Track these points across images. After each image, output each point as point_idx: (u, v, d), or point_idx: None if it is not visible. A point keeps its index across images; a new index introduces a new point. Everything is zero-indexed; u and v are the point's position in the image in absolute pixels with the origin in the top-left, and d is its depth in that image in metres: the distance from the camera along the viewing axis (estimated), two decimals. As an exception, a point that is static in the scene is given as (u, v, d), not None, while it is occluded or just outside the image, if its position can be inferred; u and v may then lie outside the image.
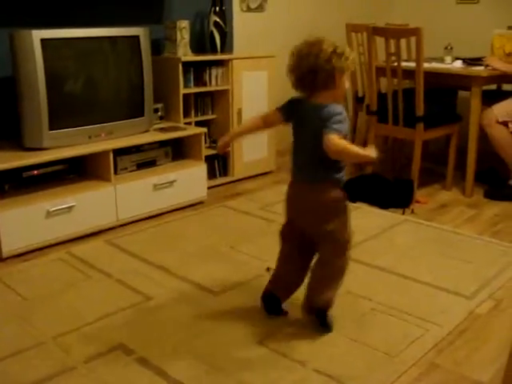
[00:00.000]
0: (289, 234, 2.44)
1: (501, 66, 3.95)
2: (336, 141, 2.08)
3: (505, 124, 3.91)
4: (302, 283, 2.42)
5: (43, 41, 3.10)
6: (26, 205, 3.07)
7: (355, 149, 2.14)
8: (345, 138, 2.13)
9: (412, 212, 3.76)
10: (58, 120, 3.25)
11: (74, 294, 2.66)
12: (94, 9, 3.72)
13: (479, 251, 3.17)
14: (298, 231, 2.39)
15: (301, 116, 2.24)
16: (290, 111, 2.29)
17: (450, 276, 2.86)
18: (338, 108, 2.16)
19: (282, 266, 2.46)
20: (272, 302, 2.45)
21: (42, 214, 3.11)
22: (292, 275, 2.44)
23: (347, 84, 2.23)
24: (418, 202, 3.91)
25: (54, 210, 3.14)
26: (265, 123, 2.39)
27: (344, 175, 2.27)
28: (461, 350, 2.26)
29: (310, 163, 2.24)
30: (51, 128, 3.22)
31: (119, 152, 3.51)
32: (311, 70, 2.14)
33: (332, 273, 2.34)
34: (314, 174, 2.25)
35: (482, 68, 3.97)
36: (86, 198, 3.28)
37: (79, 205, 3.25)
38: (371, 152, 2.17)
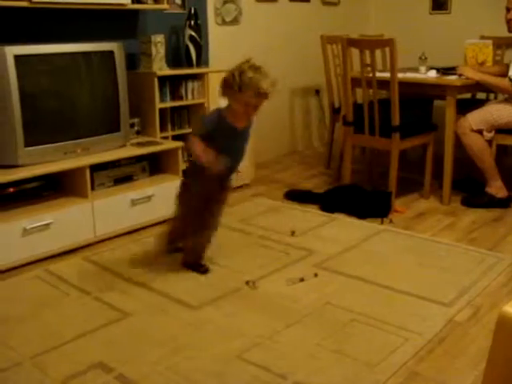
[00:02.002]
0: None
1: (473, 75, 3.99)
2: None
3: (480, 132, 3.95)
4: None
5: (17, 57, 3.08)
6: (2, 222, 3.04)
7: (196, 147, 2.72)
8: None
9: (390, 221, 3.78)
10: (33, 137, 3.22)
11: (52, 313, 2.62)
12: (68, 24, 3.70)
13: (457, 259, 3.19)
14: None
15: None
16: None
17: (429, 284, 2.88)
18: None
19: None
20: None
21: (19, 231, 3.08)
22: None
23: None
24: (396, 211, 3.93)
25: (30, 228, 3.11)
26: None
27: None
28: (441, 357, 2.27)
29: None
30: (26, 145, 3.19)
31: (96, 168, 3.49)
32: None
33: None
34: None
35: (455, 77, 4.02)
36: (63, 214, 3.26)
37: (56, 222, 3.22)
38: (211, 159, 2.68)
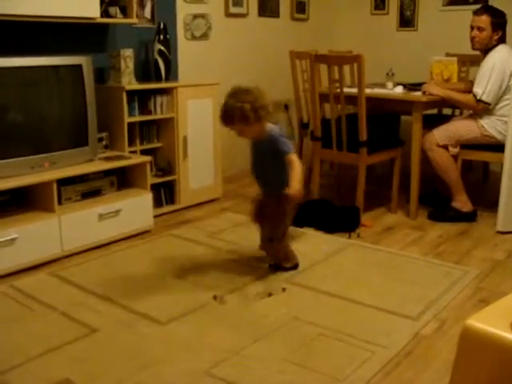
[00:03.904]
0: None
1: (437, 91, 4.06)
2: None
3: (445, 147, 4.01)
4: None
5: (-17, 70, 3.06)
6: (-34, 238, 3.00)
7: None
8: None
9: (358, 236, 3.81)
10: (-1, 150, 3.19)
11: (17, 329, 2.58)
12: (35, 37, 3.68)
13: (424, 272, 3.22)
14: None
15: None
16: None
17: (396, 298, 2.90)
18: None
19: None
20: None
21: (-17, 246, 3.04)
22: None
23: None
24: (363, 225, 3.96)
25: (-5, 243, 3.07)
26: None
27: None
28: (407, 371, 2.29)
29: None
30: (-8, 159, 3.16)
31: (63, 182, 3.46)
32: None
33: None
34: None
35: (421, 93, 4.08)
36: (29, 229, 3.22)
37: (22, 237, 3.18)
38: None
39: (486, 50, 3.98)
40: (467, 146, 4.04)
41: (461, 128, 4.02)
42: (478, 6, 4.12)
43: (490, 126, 3.94)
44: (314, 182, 4.34)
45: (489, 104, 3.88)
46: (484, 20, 3.92)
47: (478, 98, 3.87)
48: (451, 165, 4.03)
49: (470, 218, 4.09)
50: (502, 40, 3.97)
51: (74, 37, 3.89)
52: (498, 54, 3.90)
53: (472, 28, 3.99)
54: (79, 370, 2.26)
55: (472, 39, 4.00)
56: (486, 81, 3.86)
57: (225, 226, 3.99)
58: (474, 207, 4.11)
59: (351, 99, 3.98)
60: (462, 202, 4.09)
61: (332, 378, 2.22)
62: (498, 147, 3.86)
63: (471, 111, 4.15)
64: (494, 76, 3.84)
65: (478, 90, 3.89)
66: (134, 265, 3.32)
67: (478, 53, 4.11)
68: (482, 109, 3.92)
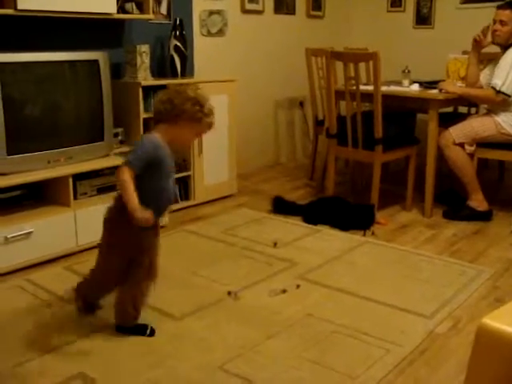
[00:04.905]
0: None
1: (454, 89, 4.04)
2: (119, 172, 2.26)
3: (461, 145, 3.99)
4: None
5: (1, 65, 3.07)
6: (-17, 231, 3.02)
7: (130, 194, 2.22)
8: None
9: (372, 233, 3.80)
10: (15, 145, 3.20)
11: (33, 323, 2.60)
12: (52, 33, 3.70)
13: (438, 271, 3.21)
14: None
15: None
16: None
17: (410, 296, 2.89)
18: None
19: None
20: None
21: (0, 240, 3.06)
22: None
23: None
24: (378, 223, 3.95)
25: (11, 237, 3.09)
26: None
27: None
28: (421, 369, 2.28)
29: None
30: (9, 153, 3.17)
31: (79, 177, 3.48)
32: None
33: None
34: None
35: (437, 91, 4.06)
36: (44, 223, 3.24)
37: (38, 231, 3.20)
38: (142, 213, 2.22)
39: (505, 47, 3.96)
40: (483, 144, 4.02)
41: (477, 126, 4.00)
42: (494, 4, 4.11)
43: (506, 123, 3.91)
44: (329, 179, 4.33)
45: (509, 96, 3.85)
46: (507, 14, 3.92)
47: (498, 89, 3.84)
48: (467, 163, 4.00)
49: (485, 217, 4.06)
50: None
51: (90, 32, 3.90)
52: None
53: (494, 22, 3.98)
54: (93, 365, 2.28)
55: (493, 33, 3.99)
56: (506, 73, 3.83)
57: (239, 222, 3.99)
58: (490, 206, 4.09)
59: (367, 97, 3.97)
60: (477, 201, 4.06)
61: (346, 376, 2.21)
62: (513, 145, 3.84)
63: (487, 108, 4.12)
64: None
65: (497, 81, 3.86)
66: (149, 260, 3.32)
67: (494, 50, 4.09)
68: (502, 101, 3.88)
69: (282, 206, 4.22)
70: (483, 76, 4.19)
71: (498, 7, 4.01)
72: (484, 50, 4.21)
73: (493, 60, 4.13)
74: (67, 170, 3.38)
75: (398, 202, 4.40)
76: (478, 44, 4.15)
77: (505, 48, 3.97)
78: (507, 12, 3.92)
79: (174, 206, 4.15)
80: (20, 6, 3.18)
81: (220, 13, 4.89)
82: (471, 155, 4.03)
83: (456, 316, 2.71)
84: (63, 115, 3.48)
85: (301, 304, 2.79)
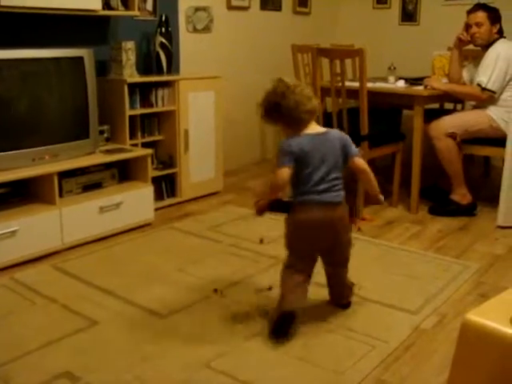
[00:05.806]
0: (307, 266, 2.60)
1: (440, 85, 4.06)
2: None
3: (452, 137, 3.99)
4: None
5: (-16, 62, 3.06)
6: (-33, 230, 3.00)
7: None
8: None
9: (359, 230, 3.80)
10: (0, 142, 3.18)
11: (17, 321, 2.59)
12: (37, 29, 3.67)
13: (424, 267, 3.23)
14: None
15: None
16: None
17: (396, 292, 2.91)
18: None
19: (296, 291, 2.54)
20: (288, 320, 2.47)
21: (-16, 238, 3.05)
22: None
23: None
24: (364, 219, 3.96)
25: (-4, 235, 3.08)
26: None
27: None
28: (407, 365, 2.29)
29: None
30: (-7, 151, 3.16)
31: (64, 174, 3.47)
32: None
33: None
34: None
35: (423, 88, 4.07)
36: (29, 221, 3.22)
37: (23, 229, 3.18)
38: None
39: (487, 46, 3.98)
40: (470, 140, 4.03)
41: (471, 118, 4.03)
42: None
43: (498, 117, 3.94)
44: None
45: (494, 92, 3.88)
46: (480, 15, 3.99)
47: (484, 86, 3.87)
48: (456, 156, 4.01)
49: (470, 209, 4.09)
50: (501, 35, 4.00)
51: (75, 29, 3.88)
52: (501, 45, 3.95)
53: (470, 26, 4.01)
54: (79, 363, 2.27)
55: (472, 36, 4.02)
56: (490, 70, 3.87)
57: (226, 219, 3.99)
58: (474, 200, 4.11)
59: (353, 93, 3.97)
60: (460, 195, 4.09)
61: (331, 372, 2.22)
62: (499, 142, 3.85)
63: (473, 106, 4.14)
64: (498, 65, 3.86)
65: (482, 78, 3.89)
66: (135, 258, 3.32)
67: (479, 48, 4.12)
68: (488, 98, 3.91)
69: (268, 203, 4.20)
70: (466, 71, 4.22)
71: (469, 11, 4.07)
72: (468, 47, 4.23)
73: (477, 57, 4.15)
74: (52, 167, 3.36)
75: (384, 198, 4.39)
76: (461, 42, 4.17)
77: (486, 48, 4.00)
78: (479, 13, 4.00)
79: (160, 203, 4.15)
80: (3, 3, 3.16)
81: (206, 9, 4.88)
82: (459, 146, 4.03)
83: (441, 312, 2.72)
84: (48, 112, 3.46)
85: (287, 301, 2.79)
